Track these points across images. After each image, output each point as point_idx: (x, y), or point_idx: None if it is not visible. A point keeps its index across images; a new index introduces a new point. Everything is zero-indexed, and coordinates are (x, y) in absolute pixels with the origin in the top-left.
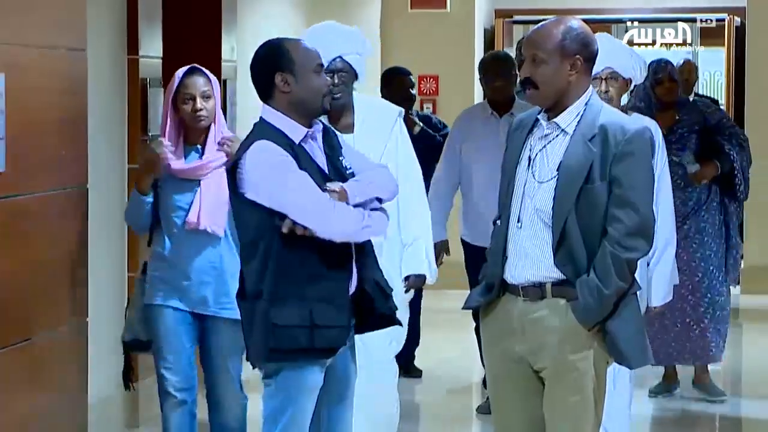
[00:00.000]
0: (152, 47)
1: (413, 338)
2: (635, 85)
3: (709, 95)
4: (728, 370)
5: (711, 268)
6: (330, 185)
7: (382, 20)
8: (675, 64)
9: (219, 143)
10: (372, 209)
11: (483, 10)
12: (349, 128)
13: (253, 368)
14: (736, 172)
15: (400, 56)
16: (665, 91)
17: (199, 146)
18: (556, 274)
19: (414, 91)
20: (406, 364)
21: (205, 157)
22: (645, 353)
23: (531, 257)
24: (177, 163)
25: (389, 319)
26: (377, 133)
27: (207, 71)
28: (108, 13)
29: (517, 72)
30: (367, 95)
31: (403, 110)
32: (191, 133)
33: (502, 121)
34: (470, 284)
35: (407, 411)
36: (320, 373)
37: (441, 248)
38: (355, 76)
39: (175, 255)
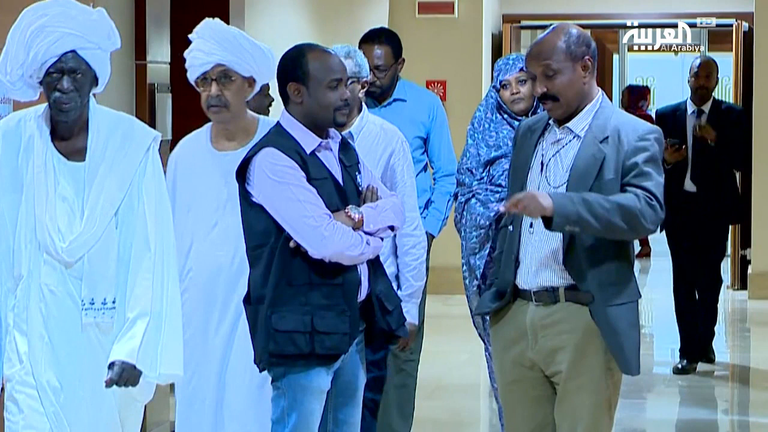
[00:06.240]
0: (160, 52)
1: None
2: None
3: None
4: (736, 375)
5: None
6: (351, 210)
7: (389, 26)
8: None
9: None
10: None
11: (490, 16)
12: (78, 154)
13: (260, 371)
14: None
15: (407, 62)
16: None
17: None
18: (569, 279)
19: None
20: None
21: None
22: (639, 361)
23: (543, 262)
24: None
25: (387, 335)
26: (121, 165)
27: None
28: (115, 19)
29: None
30: (110, 109)
31: (159, 135)
32: None
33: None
34: None
35: (414, 418)
36: (327, 376)
37: None
38: (95, 80)
39: None
